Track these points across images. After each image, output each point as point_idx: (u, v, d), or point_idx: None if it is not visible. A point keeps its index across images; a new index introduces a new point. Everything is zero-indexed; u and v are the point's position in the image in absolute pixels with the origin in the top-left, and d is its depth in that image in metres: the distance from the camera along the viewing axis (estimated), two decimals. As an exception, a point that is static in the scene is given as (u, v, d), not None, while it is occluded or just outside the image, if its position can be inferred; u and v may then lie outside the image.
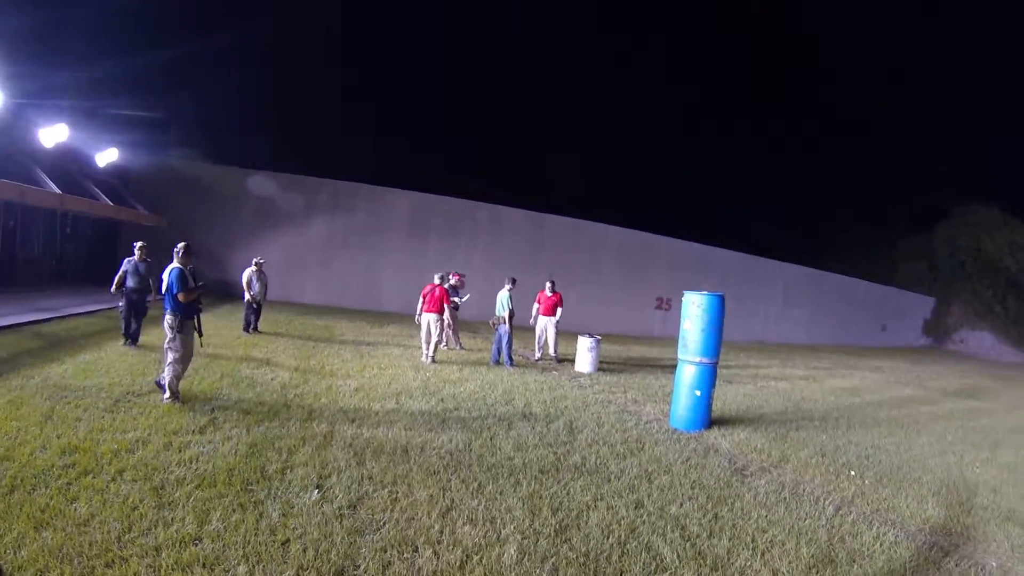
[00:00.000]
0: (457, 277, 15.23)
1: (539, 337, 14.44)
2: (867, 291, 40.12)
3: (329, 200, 24.66)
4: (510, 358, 13.04)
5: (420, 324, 12.91)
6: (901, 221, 48.76)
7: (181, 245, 7.74)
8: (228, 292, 19.42)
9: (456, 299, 14.61)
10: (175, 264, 7.59)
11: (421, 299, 12.88)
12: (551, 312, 14.06)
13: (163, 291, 7.64)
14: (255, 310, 14.00)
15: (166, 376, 7.39)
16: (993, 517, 6.35)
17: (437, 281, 12.92)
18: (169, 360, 7.40)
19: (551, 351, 14.23)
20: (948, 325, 46.96)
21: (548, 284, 14.25)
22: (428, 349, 12.62)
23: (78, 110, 16.57)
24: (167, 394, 7.30)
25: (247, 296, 13.84)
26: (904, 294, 44.48)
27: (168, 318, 7.48)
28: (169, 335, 7.44)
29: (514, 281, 13.79)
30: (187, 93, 25.70)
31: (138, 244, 10.76)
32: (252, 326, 13.89)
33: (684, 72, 53.29)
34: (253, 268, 13.98)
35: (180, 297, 7.45)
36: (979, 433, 11.21)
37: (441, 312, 12.72)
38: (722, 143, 50.34)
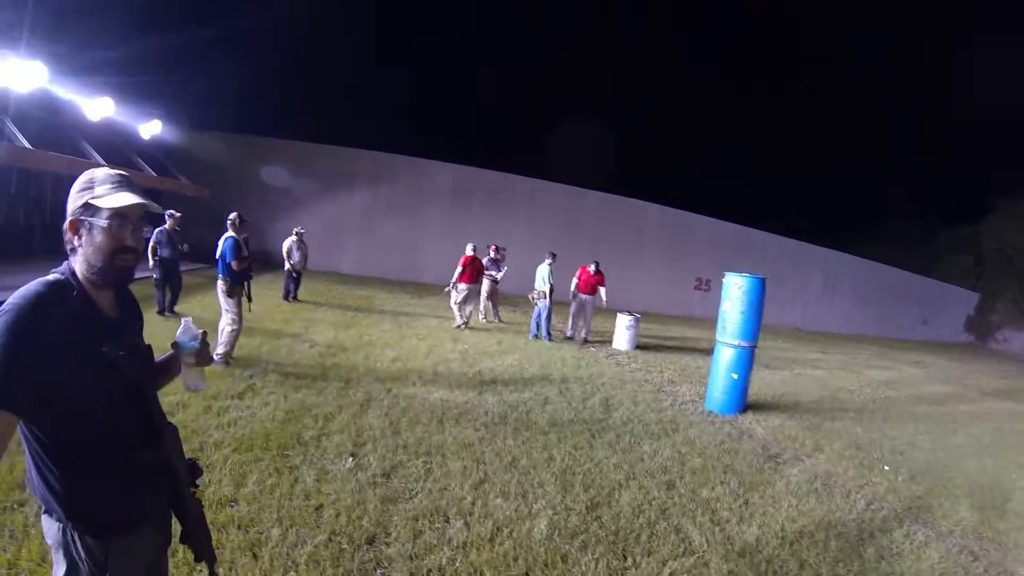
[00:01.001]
0: (494, 250, 15.24)
1: (573, 314, 14.13)
2: (908, 282, 39.43)
3: (369, 171, 24.73)
4: (548, 333, 13.12)
5: (453, 293, 13.40)
6: (944, 213, 47.77)
7: (234, 215, 8.11)
8: (269, 261, 19.67)
9: (494, 272, 14.62)
10: (229, 233, 7.92)
11: (460, 268, 13.17)
12: (590, 291, 13.68)
13: (216, 258, 7.96)
14: (295, 279, 14.19)
15: (223, 342, 7.64)
16: (1027, 523, 6.25)
17: (471, 252, 13.35)
18: (227, 324, 7.72)
19: (583, 332, 13.86)
20: (991, 323, 45.93)
21: (594, 264, 13.85)
22: (462, 317, 13.24)
23: (122, 85, 16.85)
24: (218, 359, 7.50)
25: (287, 265, 14.04)
26: (946, 288, 43.58)
27: (220, 284, 7.83)
28: (223, 301, 7.79)
29: (554, 256, 13.77)
30: (229, 67, 25.89)
31: (171, 212, 10.88)
32: (292, 295, 14.09)
33: (717, 58, 52.88)
34: (294, 238, 14.19)
35: (233, 265, 7.78)
36: (1017, 436, 10.96)
37: (478, 282, 13.30)
38: (759, 128, 49.74)
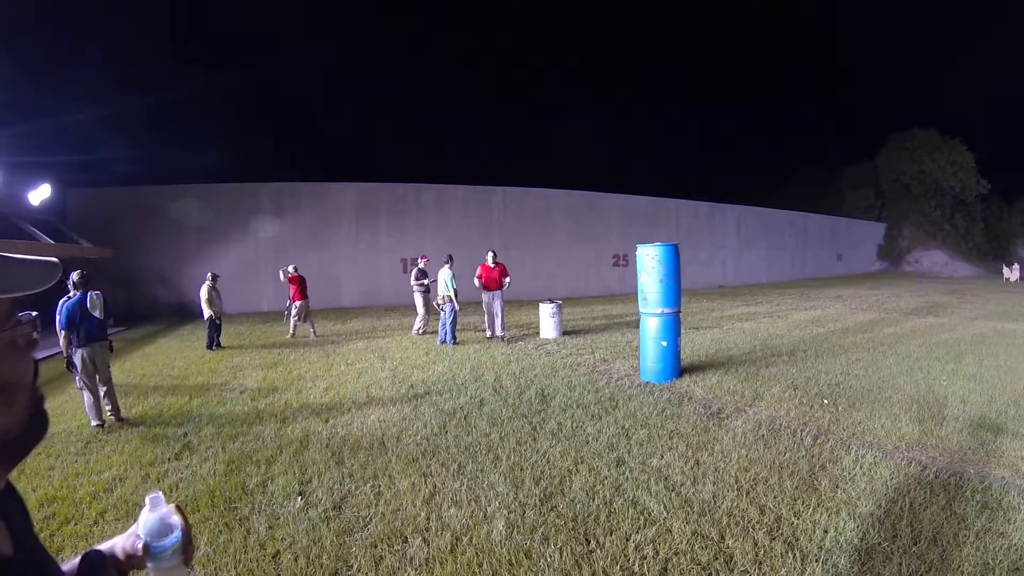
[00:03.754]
0: (425, 260, 15.05)
1: (487, 314, 13.89)
2: (819, 224, 40.96)
3: (273, 204, 24.23)
4: (454, 336, 13.02)
5: (293, 310, 15.18)
6: (842, 153, 50.02)
7: (82, 273, 7.55)
8: (186, 312, 19.11)
9: (425, 282, 14.55)
10: (95, 291, 7.54)
11: (293, 287, 14.96)
12: (498, 285, 13.51)
13: (102, 318, 7.56)
14: (218, 326, 13.68)
15: (110, 403, 7.57)
16: (965, 426, 6.48)
17: (293, 272, 15.02)
18: (109, 386, 7.58)
19: (499, 330, 13.65)
20: (901, 248, 48.22)
21: (490, 254, 13.65)
22: (311, 328, 15.14)
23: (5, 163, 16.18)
24: (115, 419, 7.54)
25: (208, 313, 13.44)
26: (855, 223, 45.50)
27: (107, 344, 7.69)
28: (107, 362, 7.65)
29: (451, 258, 13.57)
30: (114, 124, 25.16)
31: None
32: (215, 342, 13.60)
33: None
34: (209, 282, 13.64)
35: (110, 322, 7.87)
36: (942, 347, 11.47)
37: (307, 297, 15.26)
38: (658, 93, 51.02)
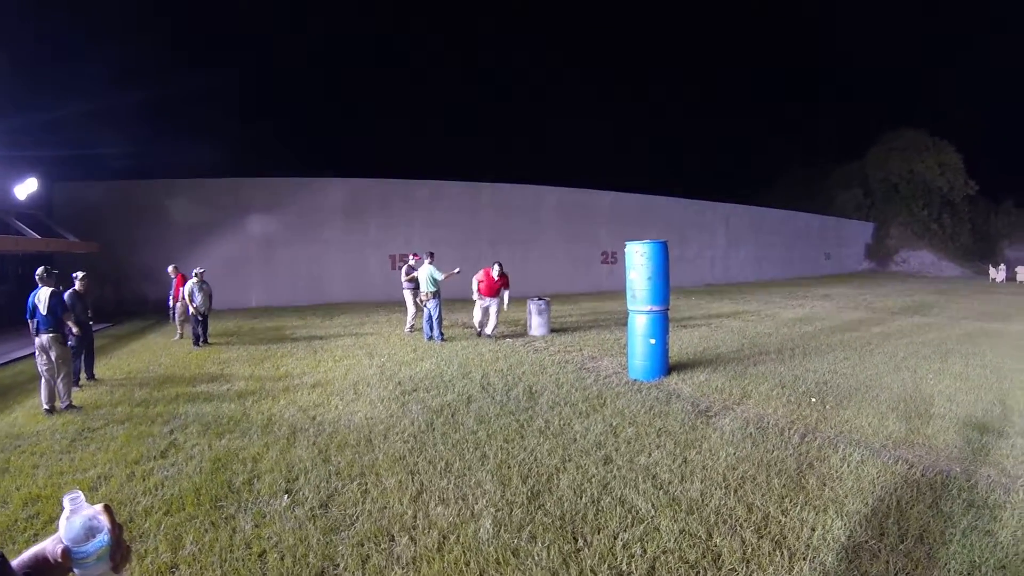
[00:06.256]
0: (416, 258, 14.98)
1: (480, 319, 13.84)
2: (807, 223, 41.13)
3: (262, 199, 24.06)
4: (440, 333, 13.08)
5: (179, 309, 15.02)
6: (832, 153, 50.41)
7: (44, 268, 8.11)
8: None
9: (415, 274, 14.33)
10: (48, 287, 8.01)
11: (177, 287, 14.94)
12: (494, 293, 13.40)
13: (46, 314, 7.92)
14: (202, 322, 13.64)
15: (66, 391, 7.90)
16: (951, 424, 6.50)
17: (173, 271, 15.34)
18: (65, 374, 7.92)
19: (488, 329, 13.62)
20: (889, 247, 48.60)
21: (497, 266, 13.42)
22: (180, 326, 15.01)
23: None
24: (64, 405, 7.84)
25: (191, 309, 13.49)
26: (843, 222, 45.77)
27: (55, 338, 7.95)
28: (60, 354, 7.95)
29: (431, 255, 13.67)
30: (103, 118, 24.93)
31: (77, 274, 10.23)
32: (202, 339, 13.54)
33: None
34: (194, 279, 13.59)
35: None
36: (929, 346, 11.53)
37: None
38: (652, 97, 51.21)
